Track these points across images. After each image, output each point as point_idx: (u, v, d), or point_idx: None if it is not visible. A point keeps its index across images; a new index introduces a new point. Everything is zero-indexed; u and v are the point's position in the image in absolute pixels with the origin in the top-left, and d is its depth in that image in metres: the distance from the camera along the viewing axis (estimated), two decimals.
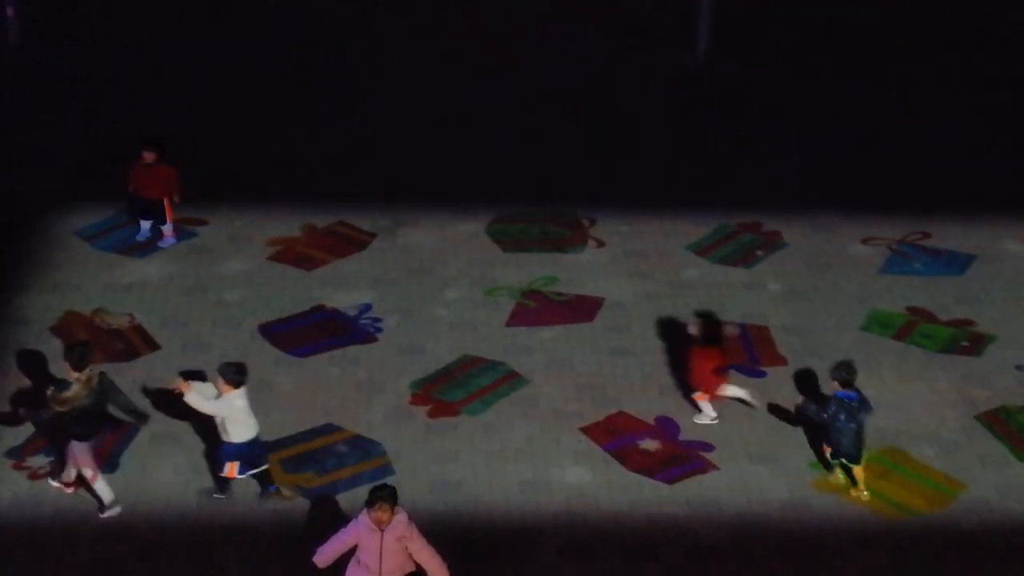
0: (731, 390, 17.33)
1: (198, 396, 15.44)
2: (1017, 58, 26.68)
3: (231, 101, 24.38)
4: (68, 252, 20.12)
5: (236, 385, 15.42)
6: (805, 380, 18.00)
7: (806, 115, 24.47)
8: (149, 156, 19.79)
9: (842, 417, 15.91)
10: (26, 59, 25.49)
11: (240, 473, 15.68)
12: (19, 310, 18.79)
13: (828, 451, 16.35)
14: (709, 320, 17.68)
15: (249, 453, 15.68)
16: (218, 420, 15.57)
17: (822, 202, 21.82)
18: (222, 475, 15.76)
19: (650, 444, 16.87)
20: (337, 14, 27.49)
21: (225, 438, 15.63)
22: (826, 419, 16.02)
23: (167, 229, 20.30)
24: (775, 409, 17.46)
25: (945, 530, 15.84)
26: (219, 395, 15.50)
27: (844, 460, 16.18)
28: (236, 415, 15.51)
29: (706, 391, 17.24)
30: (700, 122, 24.23)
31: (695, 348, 17.22)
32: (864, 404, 16.07)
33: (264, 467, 15.86)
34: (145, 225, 20.32)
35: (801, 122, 24.24)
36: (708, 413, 17.34)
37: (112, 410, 15.85)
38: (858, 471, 16.23)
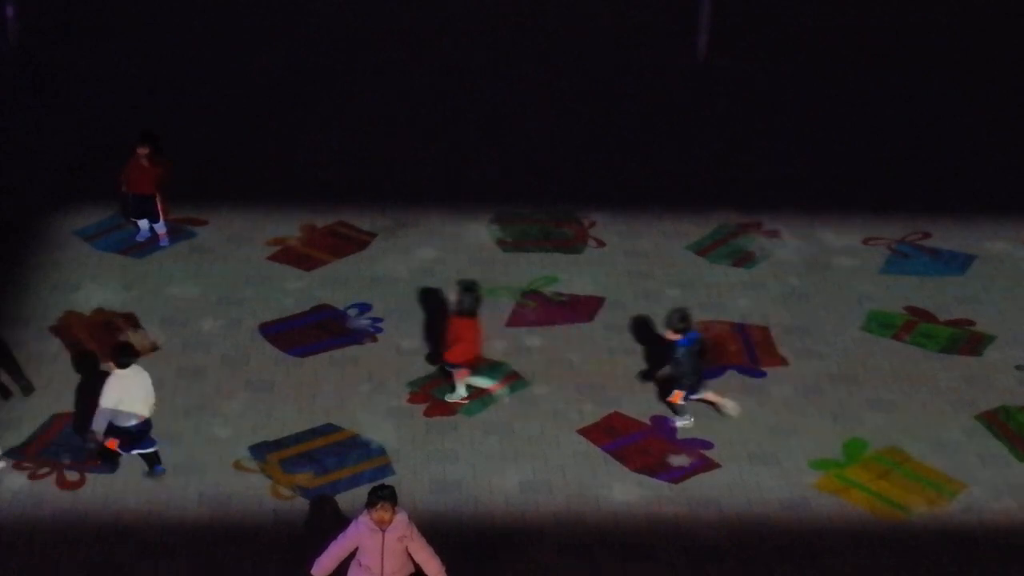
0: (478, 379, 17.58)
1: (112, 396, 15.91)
2: (1018, 58, 26.69)
3: (231, 101, 24.38)
4: (68, 252, 20.12)
5: (119, 365, 15.79)
6: (644, 327, 18.67)
7: (806, 115, 24.48)
8: (143, 151, 19.71)
9: (688, 359, 16.79)
10: (26, 59, 25.49)
11: (123, 450, 16.05)
12: (19, 310, 18.79)
13: (680, 397, 16.96)
14: (470, 290, 17.44)
15: (137, 435, 16.01)
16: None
17: (822, 202, 21.83)
18: (107, 448, 16.16)
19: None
20: (337, 14, 27.50)
21: (115, 420, 16.01)
22: (680, 366, 16.83)
23: (160, 229, 20.24)
24: (774, 407, 17.49)
25: (945, 530, 15.85)
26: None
27: (688, 394, 17.01)
28: (125, 397, 15.80)
29: (465, 361, 17.22)
30: (700, 122, 24.24)
31: (454, 318, 17.22)
32: (700, 342, 17.08)
33: (152, 450, 16.14)
34: (143, 224, 20.31)
35: (801, 122, 24.25)
36: (460, 391, 17.45)
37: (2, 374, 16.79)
38: (678, 395, 17.02)
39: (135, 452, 16.12)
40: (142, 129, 20.16)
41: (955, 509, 16.15)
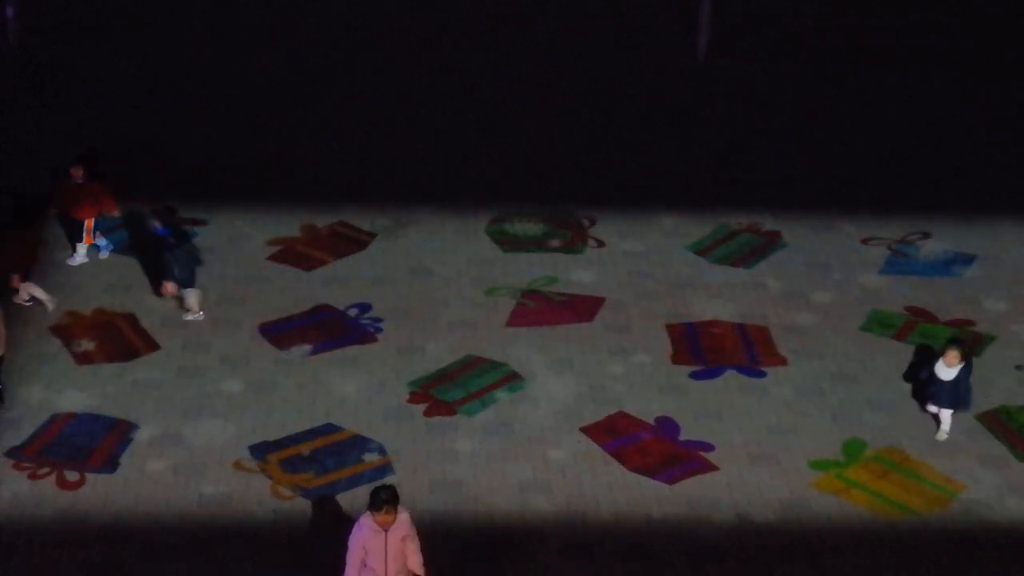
0: (34, 289, 18.52)
1: None
2: (1018, 58, 26.69)
3: (231, 101, 24.38)
4: (68, 252, 20.09)
5: None
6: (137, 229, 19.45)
7: (806, 115, 24.48)
8: (77, 174, 19.25)
9: (170, 250, 18.17)
10: (26, 59, 25.48)
11: None
12: (19, 310, 18.78)
13: (170, 288, 18.43)
14: (19, 199, 18.78)
15: None
16: None
17: (822, 202, 21.83)
18: None
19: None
20: (337, 14, 27.50)
21: None
22: (166, 256, 18.22)
23: (80, 248, 19.71)
24: (774, 407, 17.49)
25: (945, 530, 15.85)
26: None
27: (181, 288, 18.38)
28: None
29: (11, 272, 18.28)
30: (700, 122, 24.24)
31: (5, 231, 18.43)
32: (183, 233, 18.50)
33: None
34: (81, 249, 19.78)
35: (801, 122, 24.25)
36: (43, 296, 18.52)
37: None
38: (191, 295, 18.48)
39: None
40: (81, 151, 19.72)
41: (955, 509, 16.15)
